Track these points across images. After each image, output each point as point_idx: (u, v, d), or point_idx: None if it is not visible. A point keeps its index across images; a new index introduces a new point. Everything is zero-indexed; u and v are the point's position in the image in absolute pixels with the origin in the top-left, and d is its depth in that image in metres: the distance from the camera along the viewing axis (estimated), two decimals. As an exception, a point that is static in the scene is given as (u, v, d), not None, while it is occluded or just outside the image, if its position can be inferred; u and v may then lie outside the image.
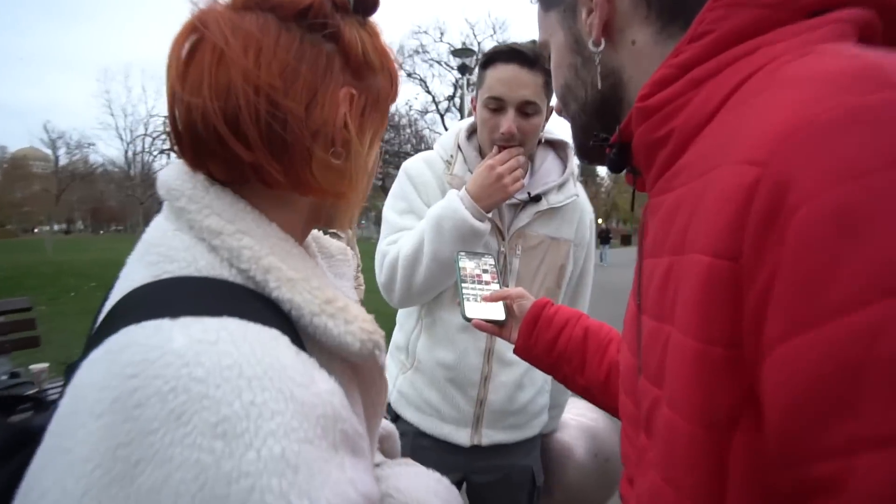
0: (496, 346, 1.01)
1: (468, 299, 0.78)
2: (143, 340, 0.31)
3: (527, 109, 0.96)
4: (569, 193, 1.05)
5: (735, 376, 0.30)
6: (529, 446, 1.08)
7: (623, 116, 0.46)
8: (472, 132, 1.08)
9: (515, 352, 0.75)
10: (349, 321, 0.39)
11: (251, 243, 0.39)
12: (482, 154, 1.02)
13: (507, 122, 0.94)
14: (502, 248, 1.01)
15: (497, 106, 0.95)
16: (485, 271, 0.83)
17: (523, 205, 1.03)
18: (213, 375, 0.30)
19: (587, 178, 38.69)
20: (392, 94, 0.48)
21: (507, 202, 1.00)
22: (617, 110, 0.47)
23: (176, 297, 0.34)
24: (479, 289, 0.80)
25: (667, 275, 0.37)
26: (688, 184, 0.36)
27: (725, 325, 0.30)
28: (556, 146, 1.10)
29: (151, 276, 0.37)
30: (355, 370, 0.44)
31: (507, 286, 0.90)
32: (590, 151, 0.51)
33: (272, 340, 0.33)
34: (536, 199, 1.02)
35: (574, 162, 1.07)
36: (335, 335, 0.38)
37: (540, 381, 1.07)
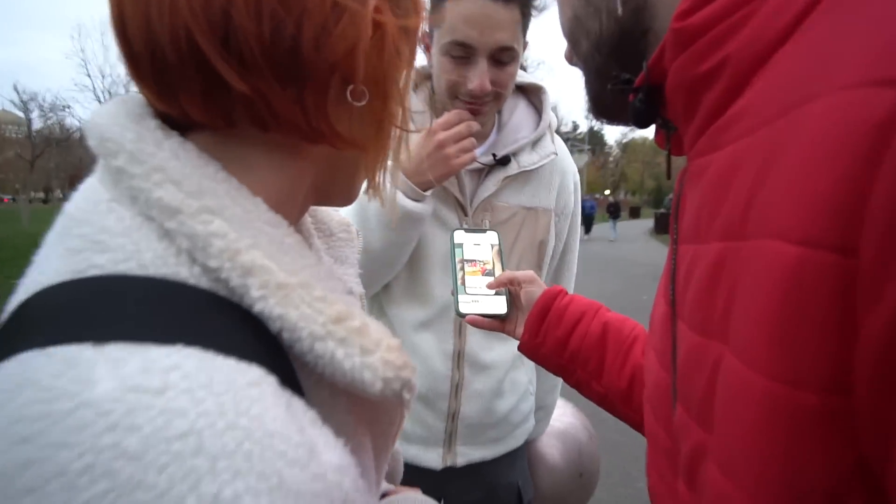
0: (467, 346, 0.87)
1: (464, 290, 0.70)
2: (46, 380, 0.22)
3: (502, 57, 0.79)
4: (545, 152, 0.90)
5: (837, 440, 0.22)
6: (513, 459, 0.96)
7: (651, 51, 0.37)
8: (422, 79, 0.90)
9: (521, 349, 0.68)
10: (368, 350, 0.28)
11: (224, 229, 0.28)
12: (437, 112, 0.86)
13: (479, 75, 0.78)
14: (464, 226, 0.86)
15: (464, 53, 0.78)
16: (485, 252, 0.73)
17: (488, 169, 0.87)
18: (154, 449, 0.20)
19: (594, 147, 38.17)
20: (417, 20, 0.36)
21: (469, 167, 0.84)
22: (641, 44, 0.38)
23: (104, 310, 0.24)
24: (478, 277, 0.71)
25: (716, 269, 0.29)
26: (751, 135, 0.28)
27: (822, 357, 0.21)
28: (527, 92, 0.94)
29: (71, 270, 0.26)
30: (368, 403, 0.33)
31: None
32: (607, 105, 0.42)
33: (252, 388, 0.23)
34: (504, 161, 0.86)
35: (550, 111, 0.92)
36: (347, 370, 0.28)
37: (523, 385, 0.94)
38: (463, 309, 0.68)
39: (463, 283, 0.70)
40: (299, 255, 0.31)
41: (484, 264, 0.72)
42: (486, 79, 0.78)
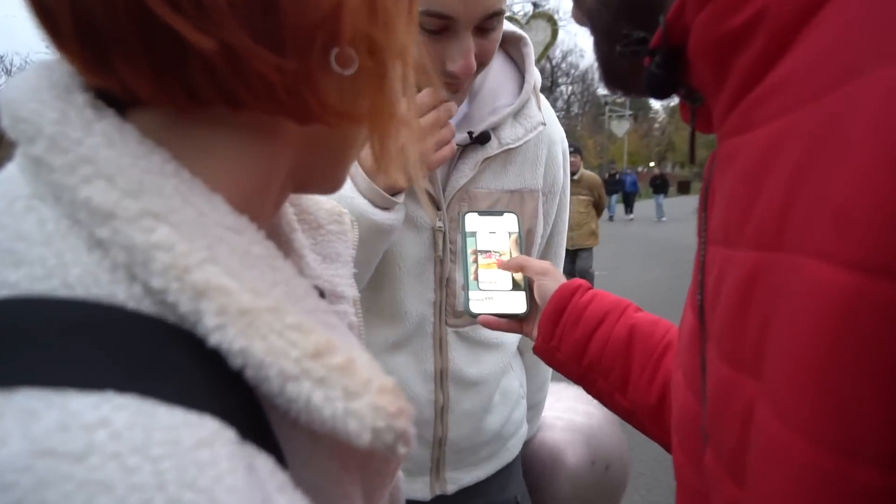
0: (451, 363, 0.82)
1: (476, 285, 0.66)
2: None
3: (489, 24, 0.69)
4: (532, 123, 0.80)
5: None
6: (508, 473, 0.93)
7: (669, 4, 0.31)
8: None
9: (536, 352, 0.65)
10: (353, 393, 0.23)
11: (171, 238, 0.22)
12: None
13: (464, 53, 0.68)
14: (438, 223, 0.77)
15: (442, 26, 0.66)
16: (502, 241, 0.69)
17: (462, 150, 0.78)
18: None
19: (636, 112, 36.18)
20: None
21: None
22: None
23: (15, 344, 0.20)
24: (493, 271, 0.67)
25: (748, 286, 0.24)
26: (792, 112, 0.23)
27: (885, 422, 0.17)
28: (504, 43, 0.80)
29: None
30: (354, 452, 0.27)
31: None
32: (620, 71, 0.38)
33: (202, 449, 0.19)
34: (483, 138, 0.77)
35: (534, 68, 0.82)
36: (327, 417, 0.23)
37: (515, 392, 0.90)
38: (474, 308, 0.66)
39: (476, 278, 0.67)
40: (270, 267, 0.26)
41: (500, 255, 0.69)
42: (472, 56, 0.69)
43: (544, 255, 0.95)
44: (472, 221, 0.70)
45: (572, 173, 4.61)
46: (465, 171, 0.78)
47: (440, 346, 0.81)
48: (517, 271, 0.66)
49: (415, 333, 0.80)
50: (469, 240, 0.69)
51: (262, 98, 0.24)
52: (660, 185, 15.67)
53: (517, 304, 0.65)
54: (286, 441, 0.24)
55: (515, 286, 0.66)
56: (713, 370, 0.29)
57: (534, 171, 0.83)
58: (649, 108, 44.96)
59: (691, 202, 22.78)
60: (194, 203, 0.24)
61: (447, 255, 0.78)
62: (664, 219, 14.70)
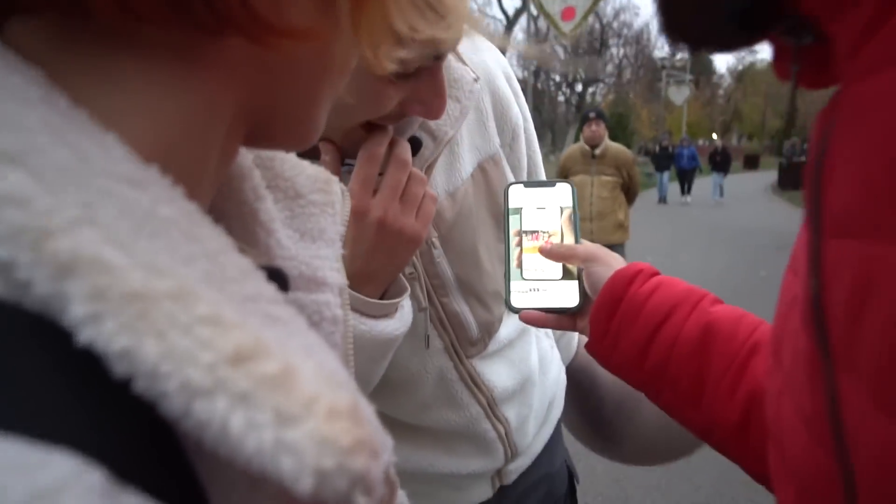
0: (495, 390, 0.77)
1: (520, 274, 0.62)
2: None
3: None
4: (465, 89, 0.68)
5: None
6: (556, 436, 0.93)
7: None
8: None
9: (588, 351, 0.60)
10: (290, 417, 0.18)
11: (27, 188, 0.18)
12: (346, 154, 0.65)
13: (441, 91, 0.60)
14: (408, 268, 0.69)
15: (425, 66, 0.57)
16: (552, 219, 0.64)
17: None
18: None
19: (698, 78, 35.40)
20: None
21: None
22: None
23: None
24: (539, 256, 0.62)
25: None
26: None
27: None
28: None
29: None
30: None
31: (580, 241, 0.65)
32: (685, 11, 0.30)
33: (44, 500, 0.14)
34: (412, 147, 0.65)
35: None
36: (251, 451, 0.17)
37: (547, 350, 0.90)
38: (516, 302, 0.61)
39: (519, 265, 0.63)
40: (185, 237, 0.20)
41: (549, 235, 0.64)
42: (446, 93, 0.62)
43: None
44: (517, 195, 0.65)
45: (592, 146, 3.97)
46: None
47: (474, 384, 0.76)
48: (559, 261, 0.62)
49: (438, 388, 0.75)
50: (513, 218, 0.64)
51: (163, 2, 0.20)
52: (720, 162, 14.01)
53: (568, 295, 0.60)
54: (210, 482, 0.19)
55: (567, 274, 0.62)
56: (866, 426, 0.24)
57: (485, 133, 0.75)
58: (713, 72, 43.79)
59: (760, 179, 22.09)
60: (72, 142, 0.19)
61: (434, 297, 0.72)
62: (722, 198, 13.69)
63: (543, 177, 0.86)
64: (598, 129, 4.01)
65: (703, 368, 0.52)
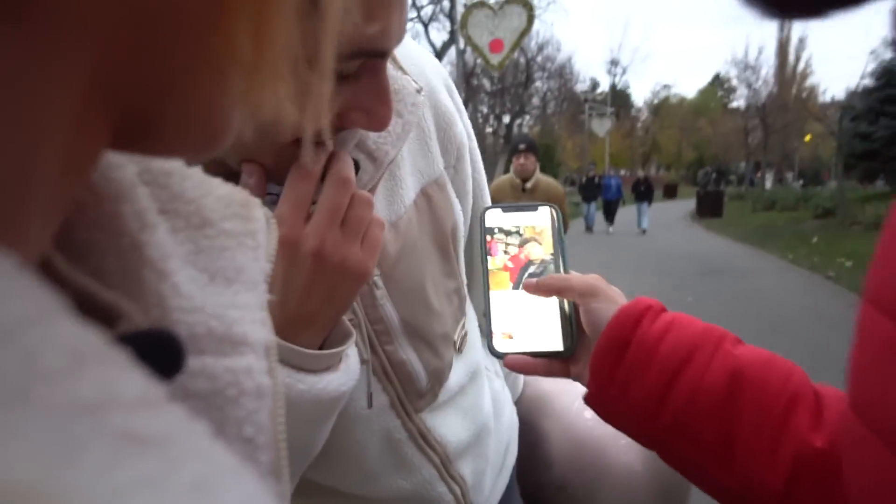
0: (448, 446, 0.67)
1: (502, 312, 0.56)
2: None
3: None
4: (407, 101, 0.57)
5: None
6: (513, 484, 0.83)
7: None
8: None
9: (589, 403, 0.53)
10: None
11: None
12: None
13: (385, 94, 0.49)
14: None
15: (355, 69, 0.48)
16: (534, 247, 0.59)
17: None
18: None
19: (619, 110, 37.14)
20: None
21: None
22: None
23: None
24: (522, 291, 0.57)
25: None
26: None
27: None
28: None
29: None
30: None
31: (567, 271, 0.59)
32: None
33: None
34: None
35: None
36: None
37: (497, 389, 0.80)
38: (499, 346, 0.56)
39: (501, 303, 0.57)
40: None
41: (534, 265, 0.57)
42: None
43: (473, 234, 0.76)
44: (494, 221, 0.60)
45: (523, 179, 3.82)
46: None
47: (426, 442, 0.66)
48: (550, 295, 0.55)
49: (385, 452, 0.64)
50: (488, 246, 0.59)
51: None
52: (644, 192, 13.71)
53: (560, 336, 0.54)
54: None
55: (557, 311, 0.56)
56: None
57: (427, 154, 0.65)
58: (631, 105, 46.12)
59: (679, 207, 23.28)
60: None
61: (377, 346, 0.60)
62: (646, 228, 13.48)
63: (489, 201, 0.77)
64: (528, 161, 3.83)
65: (732, 423, 0.45)
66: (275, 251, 0.29)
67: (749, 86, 28.71)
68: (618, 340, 0.50)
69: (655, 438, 0.49)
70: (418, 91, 0.58)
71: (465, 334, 0.70)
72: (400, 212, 0.61)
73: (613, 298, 0.53)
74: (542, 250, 0.58)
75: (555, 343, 0.54)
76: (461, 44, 10.07)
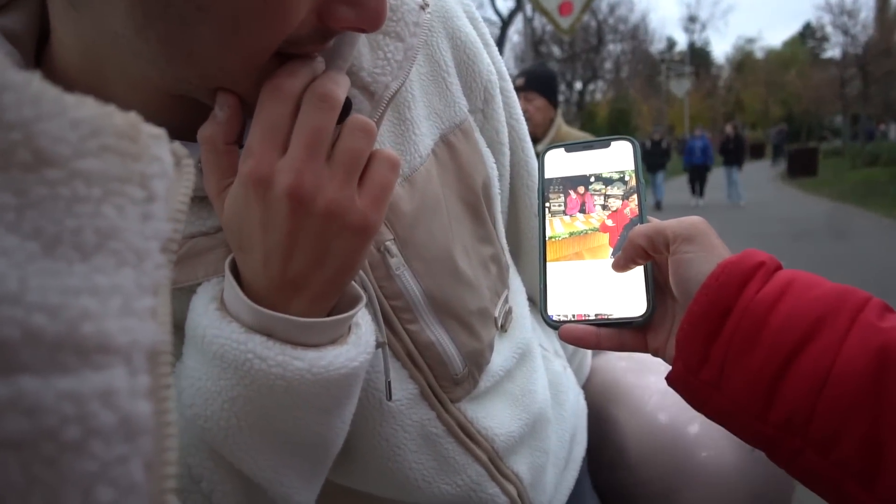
0: (496, 440, 0.58)
1: (560, 273, 0.46)
2: None
3: None
4: (408, 18, 0.47)
5: None
6: (584, 478, 0.74)
7: None
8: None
9: (672, 383, 0.42)
10: None
11: None
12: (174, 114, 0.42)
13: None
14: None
15: None
16: (610, 190, 0.48)
17: None
18: None
19: (697, 69, 35.22)
20: None
21: None
22: None
23: None
24: (587, 244, 0.46)
25: None
26: None
27: None
28: None
29: None
30: None
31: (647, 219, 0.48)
32: None
33: None
34: (343, 109, 0.42)
35: None
36: None
37: (557, 373, 0.70)
38: (555, 311, 0.46)
39: (560, 260, 0.47)
40: None
41: (606, 214, 0.47)
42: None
43: (515, 191, 0.66)
44: (557, 163, 0.50)
45: (533, 135, 2.73)
46: None
47: (468, 437, 0.57)
48: (645, 254, 0.44)
49: (422, 451, 0.55)
50: (549, 192, 0.50)
51: None
52: (733, 151, 10.79)
53: (633, 300, 0.44)
54: None
55: (629, 270, 0.46)
56: None
57: (446, 93, 0.55)
58: (711, 62, 43.58)
59: (767, 168, 21.84)
60: None
61: (398, 325, 0.51)
62: (742, 202, 10.75)
63: (532, 155, 0.65)
64: (530, 106, 2.51)
65: (879, 425, 0.33)
66: (185, 206, 0.21)
67: (845, 32, 26.47)
68: (716, 306, 0.39)
69: (764, 436, 0.38)
70: (423, 7, 0.48)
71: (510, 310, 0.61)
72: (415, 163, 0.51)
73: (714, 248, 0.41)
74: (616, 195, 0.47)
75: (628, 308, 0.44)
76: (528, 10, 9.81)
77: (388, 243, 0.49)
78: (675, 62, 28.36)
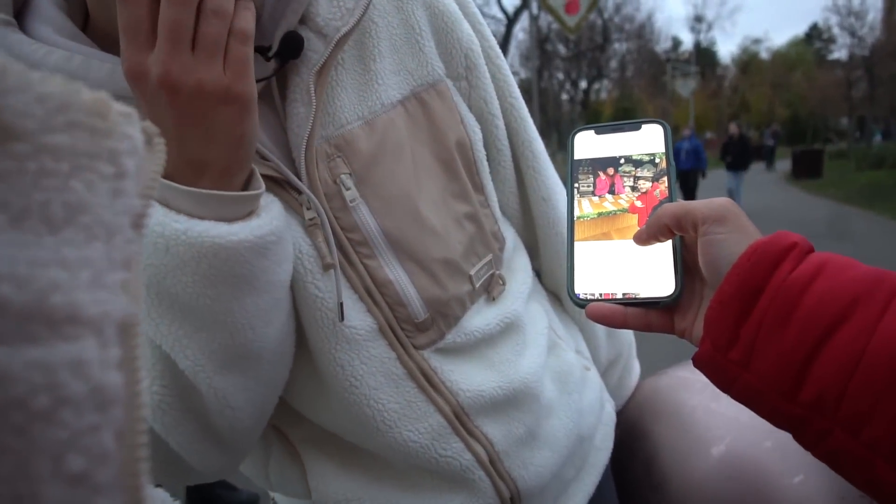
0: (460, 395, 0.58)
1: (588, 250, 0.47)
2: None
3: None
4: None
5: None
6: (610, 494, 0.72)
7: None
8: None
9: (698, 364, 0.42)
10: None
11: None
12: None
13: None
14: (308, 213, 0.53)
15: None
16: (640, 170, 0.48)
17: (276, 78, 0.53)
18: None
19: (703, 69, 35.09)
20: None
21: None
22: None
23: None
24: (616, 224, 0.47)
25: None
26: None
27: None
28: None
29: None
30: None
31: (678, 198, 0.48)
32: None
33: None
34: (291, 45, 0.51)
35: None
36: None
37: (575, 369, 0.68)
38: (581, 289, 0.46)
39: (588, 239, 0.48)
40: None
41: (635, 195, 0.47)
42: None
43: (499, 179, 0.66)
44: (586, 144, 0.50)
45: None
46: (299, 108, 0.52)
47: (429, 383, 0.58)
48: (669, 232, 0.43)
49: (384, 390, 0.57)
50: (577, 172, 0.50)
51: None
52: (739, 155, 9.71)
53: (660, 280, 0.44)
54: None
55: (656, 250, 0.46)
56: None
57: (419, 54, 0.58)
58: (717, 62, 43.45)
59: (766, 172, 21.66)
60: None
61: (354, 257, 0.54)
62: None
63: (536, 137, 0.67)
64: None
65: None
66: (156, 182, 0.21)
67: (853, 34, 26.33)
68: (747, 285, 0.38)
69: (792, 416, 0.38)
70: None
71: (497, 279, 0.62)
72: (375, 108, 0.55)
73: (745, 229, 0.41)
74: (646, 177, 0.47)
75: (656, 287, 0.43)
76: (534, 8, 9.75)
77: (343, 176, 0.53)
78: (681, 62, 28.23)
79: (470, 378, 0.59)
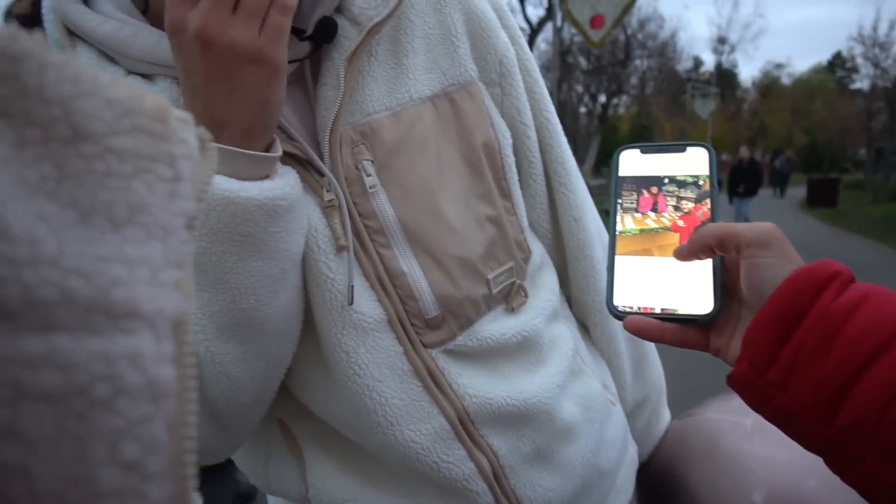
0: (466, 399, 0.57)
1: (628, 265, 0.48)
2: None
3: None
4: None
5: None
6: None
7: None
8: None
9: (732, 384, 0.43)
10: None
11: None
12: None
13: None
14: (327, 194, 0.54)
15: None
16: (683, 191, 0.49)
17: (309, 63, 0.55)
18: None
19: (723, 91, 34.95)
20: None
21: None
22: None
23: None
24: (657, 241, 0.48)
25: None
26: None
27: None
28: None
29: None
30: None
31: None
32: None
33: None
34: (326, 29, 0.53)
35: None
36: None
37: (598, 398, 0.65)
38: (620, 300, 0.47)
39: (629, 254, 0.49)
40: None
41: (678, 214, 0.48)
42: None
43: (529, 193, 0.66)
44: (630, 162, 0.51)
45: None
46: (328, 92, 0.53)
47: (435, 383, 0.56)
48: (711, 251, 0.44)
49: (388, 383, 0.56)
50: (620, 189, 0.50)
51: None
52: (751, 180, 9.26)
53: (699, 298, 0.45)
54: None
55: (696, 264, 0.46)
56: None
57: (453, 55, 0.59)
58: (737, 85, 43.27)
59: (788, 195, 21.45)
60: None
61: (369, 245, 0.55)
62: None
63: (569, 154, 0.68)
64: None
65: None
66: (208, 186, 0.21)
67: (876, 64, 26.17)
68: (791, 310, 0.39)
69: (826, 442, 0.39)
70: None
71: (518, 289, 0.61)
72: (403, 100, 0.57)
73: (789, 255, 0.42)
74: (689, 197, 0.48)
75: (695, 305, 0.44)
76: (559, 20, 9.76)
77: (365, 162, 0.54)
78: (701, 82, 28.14)
79: (478, 385, 0.58)
